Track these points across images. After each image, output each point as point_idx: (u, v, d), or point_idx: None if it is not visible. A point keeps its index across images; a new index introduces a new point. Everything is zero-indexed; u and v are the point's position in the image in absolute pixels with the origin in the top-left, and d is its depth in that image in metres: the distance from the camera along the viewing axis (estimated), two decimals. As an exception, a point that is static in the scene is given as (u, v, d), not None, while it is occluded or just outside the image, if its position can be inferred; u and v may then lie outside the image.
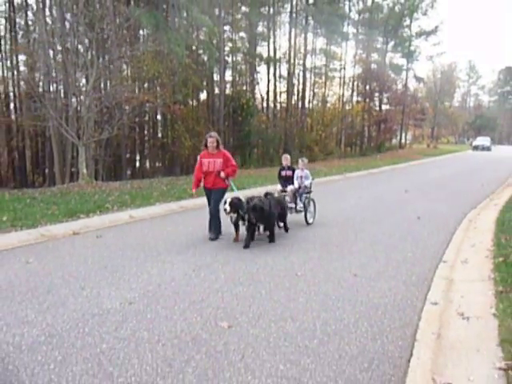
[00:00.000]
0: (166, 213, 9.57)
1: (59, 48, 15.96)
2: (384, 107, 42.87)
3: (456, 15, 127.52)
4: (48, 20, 17.88)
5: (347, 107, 39.44)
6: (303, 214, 8.28)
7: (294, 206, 8.27)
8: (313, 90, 37.22)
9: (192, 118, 25.62)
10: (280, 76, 33.30)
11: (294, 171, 8.63)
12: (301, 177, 8.53)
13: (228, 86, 29.50)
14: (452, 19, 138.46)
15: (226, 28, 28.78)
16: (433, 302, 4.33)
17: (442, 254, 6.30)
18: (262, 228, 7.29)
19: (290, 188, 8.33)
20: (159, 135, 27.00)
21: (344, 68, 38.38)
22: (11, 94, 24.48)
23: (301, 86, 33.95)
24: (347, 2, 36.25)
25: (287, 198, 8.21)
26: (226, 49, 28.85)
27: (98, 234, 7.22)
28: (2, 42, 23.64)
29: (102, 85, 18.41)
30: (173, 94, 21.34)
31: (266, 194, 7.20)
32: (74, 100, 16.56)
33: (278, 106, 33.39)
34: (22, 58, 22.65)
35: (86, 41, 15.43)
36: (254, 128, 28.68)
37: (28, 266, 5.36)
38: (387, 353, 3.34)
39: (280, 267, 5.49)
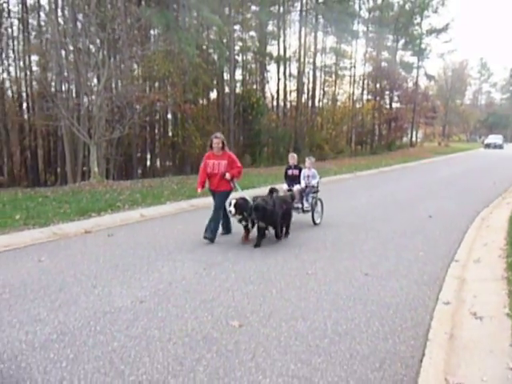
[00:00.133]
0: (177, 211, 9.60)
1: (71, 48, 16.08)
2: (394, 105, 42.58)
3: (467, 12, 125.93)
4: (60, 20, 18.04)
5: (357, 105, 39.21)
6: (310, 214, 8.10)
7: (300, 205, 8.11)
8: (323, 89, 37.10)
9: (202, 116, 25.69)
10: (290, 75, 33.21)
11: (300, 170, 8.45)
12: (308, 176, 8.36)
13: (238, 84, 29.51)
14: (463, 16, 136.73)
15: (236, 27, 28.77)
16: (445, 302, 4.28)
17: (454, 252, 6.25)
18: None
19: (296, 187, 8.16)
20: (170, 134, 27.10)
21: (354, 66, 38.26)
22: (24, 94, 24.78)
23: (311, 85, 33.85)
24: (357, 0, 35.97)
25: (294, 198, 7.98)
26: (236, 48, 28.86)
27: (109, 233, 7.25)
28: (15, 43, 23.94)
29: (114, 84, 18.52)
30: (183, 93, 21.43)
31: (271, 191, 7.07)
32: (85, 99, 16.70)
33: (288, 104, 33.31)
34: (34, 58, 22.93)
35: (98, 41, 15.53)
36: (264, 127, 28.64)
37: (40, 265, 5.41)
38: (399, 352, 3.31)
39: (291, 266, 5.47)
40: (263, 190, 9.97)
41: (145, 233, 7.41)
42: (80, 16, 16.39)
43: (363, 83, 40.20)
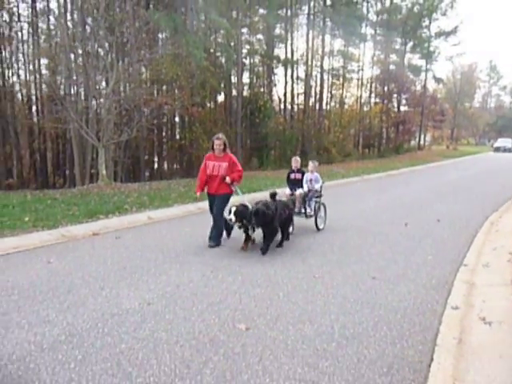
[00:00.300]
0: (184, 214, 9.62)
1: (80, 52, 16.20)
2: (402, 108, 42.38)
3: (476, 14, 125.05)
4: (69, 24, 18.21)
5: (365, 109, 39.12)
6: (313, 219, 7.90)
7: (303, 210, 7.91)
8: (330, 92, 37.04)
9: (210, 119, 25.78)
10: (297, 78, 33.23)
11: (303, 174, 8.22)
12: (310, 180, 8.11)
13: (245, 87, 29.57)
14: (472, 19, 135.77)
15: (244, 30, 28.84)
16: (453, 307, 4.25)
17: (463, 257, 6.20)
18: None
19: (298, 192, 7.92)
20: (177, 137, 27.21)
21: (362, 69, 38.15)
22: (33, 97, 24.99)
23: (318, 88, 33.82)
24: (365, 4, 35.90)
25: (296, 203, 7.78)
26: (244, 51, 28.95)
27: (117, 235, 7.29)
28: (25, 46, 24.16)
29: (122, 87, 18.62)
30: (191, 96, 21.50)
31: (273, 195, 6.86)
32: (94, 103, 16.81)
33: (296, 107, 33.30)
34: (44, 61, 23.15)
35: (106, 44, 15.64)
36: (272, 130, 28.68)
37: (49, 266, 5.45)
38: (407, 357, 3.29)
39: (298, 269, 5.47)
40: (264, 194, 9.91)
41: (152, 235, 7.44)
42: (89, 20, 16.54)
43: (371, 86, 40.09)
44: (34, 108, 25.43)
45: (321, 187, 8.22)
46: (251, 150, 28.98)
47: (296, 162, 8.39)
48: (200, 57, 19.59)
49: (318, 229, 7.88)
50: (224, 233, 6.94)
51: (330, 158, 30.26)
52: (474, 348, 3.43)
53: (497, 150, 48.21)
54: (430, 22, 40.17)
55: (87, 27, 16.76)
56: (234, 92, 27.64)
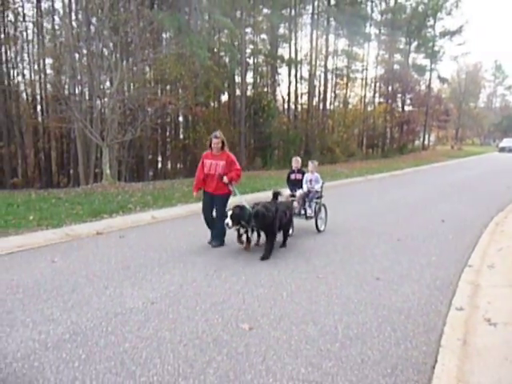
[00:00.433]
0: (188, 214, 9.62)
1: (84, 51, 16.26)
2: (407, 108, 42.29)
3: (481, 14, 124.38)
4: (74, 24, 18.27)
5: (369, 108, 39.08)
6: (313, 220, 7.74)
7: (303, 212, 7.77)
8: (334, 92, 37.02)
9: (213, 119, 25.83)
10: (301, 77, 33.22)
11: (304, 174, 8.07)
12: (310, 180, 7.95)
13: (249, 87, 29.57)
14: (477, 18, 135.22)
15: (248, 30, 28.85)
16: (458, 308, 4.23)
17: (468, 258, 6.17)
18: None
19: (299, 193, 7.78)
20: (181, 137, 27.28)
21: (366, 69, 38.13)
22: (38, 97, 25.08)
23: (322, 88, 33.79)
24: (369, 3, 35.83)
25: (295, 204, 7.65)
26: (248, 51, 28.93)
27: (120, 234, 7.30)
28: (30, 46, 24.24)
29: (126, 87, 18.68)
30: (195, 95, 21.54)
31: (275, 195, 6.72)
32: (98, 102, 16.86)
33: (299, 107, 33.28)
34: (48, 61, 23.22)
35: (111, 44, 15.71)
36: (275, 129, 28.67)
37: (53, 265, 5.47)
38: (411, 358, 3.28)
39: (301, 269, 5.46)
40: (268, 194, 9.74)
41: (156, 235, 7.45)
42: (93, 20, 16.58)
43: (375, 86, 40.06)
44: (38, 107, 25.55)
45: (321, 188, 8.06)
46: (255, 150, 29.01)
47: (296, 162, 8.24)
48: (204, 56, 19.61)
49: (318, 230, 7.74)
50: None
51: (334, 157, 30.25)
52: (479, 349, 3.41)
53: (502, 150, 47.97)
54: (435, 22, 40.13)
55: (92, 27, 16.80)
56: (238, 92, 27.68)
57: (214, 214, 6.64)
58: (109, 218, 8.50)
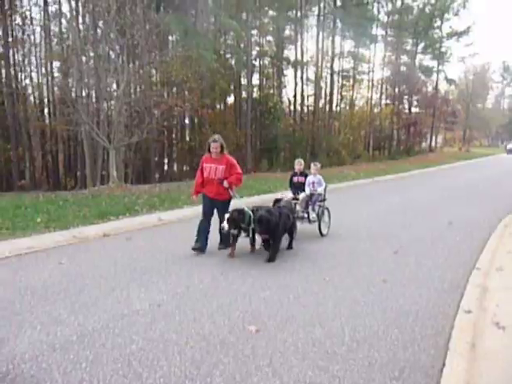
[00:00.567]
0: (194, 215, 9.55)
1: (91, 54, 16.36)
2: (414, 110, 42.13)
3: (489, 14, 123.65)
4: (81, 27, 18.38)
5: (375, 110, 38.94)
6: (316, 224, 7.53)
7: (306, 215, 7.50)
8: (340, 93, 36.97)
9: (219, 121, 25.89)
10: (307, 79, 33.25)
11: (306, 177, 7.93)
12: (313, 183, 7.80)
13: (255, 89, 29.61)
14: (485, 18, 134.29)
15: (254, 32, 28.90)
16: (466, 311, 4.19)
17: (476, 260, 6.11)
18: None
19: (301, 196, 7.60)
20: (187, 139, 27.35)
21: (372, 71, 38.09)
22: (46, 100, 25.26)
23: (328, 89, 33.77)
24: (376, 4, 35.71)
25: (298, 207, 7.49)
26: (254, 53, 28.98)
27: (127, 237, 7.32)
28: (38, 50, 24.42)
29: (132, 90, 18.77)
30: (201, 98, 21.57)
31: (276, 202, 6.53)
32: (105, 105, 16.95)
33: (306, 109, 33.27)
34: (56, 64, 23.39)
35: (117, 47, 15.76)
36: (281, 131, 28.70)
37: (61, 267, 5.50)
38: (418, 361, 3.25)
39: (307, 272, 5.44)
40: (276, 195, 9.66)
41: (162, 237, 7.47)
42: (100, 23, 16.68)
43: (381, 87, 39.94)
44: (46, 110, 25.75)
45: (324, 190, 7.92)
46: (261, 152, 29.03)
47: (299, 164, 8.08)
48: (210, 58, 19.68)
49: (321, 234, 7.56)
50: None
51: (340, 159, 30.20)
52: (488, 353, 3.37)
53: (510, 151, 47.60)
54: (442, 23, 39.82)
55: (98, 30, 16.91)
56: (244, 94, 27.74)
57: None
58: (115, 220, 8.55)
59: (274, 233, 5.96)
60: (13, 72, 22.56)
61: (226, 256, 6.14)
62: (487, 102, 77.71)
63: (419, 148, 43.85)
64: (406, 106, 41.60)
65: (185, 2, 20.93)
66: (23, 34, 23.41)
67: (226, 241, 6.44)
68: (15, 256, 6.00)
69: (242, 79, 27.84)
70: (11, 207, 9.54)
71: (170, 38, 22.63)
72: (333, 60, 33.16)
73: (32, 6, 23.55)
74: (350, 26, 32.00)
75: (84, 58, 16.52)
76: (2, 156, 22.87)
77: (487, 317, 4.05)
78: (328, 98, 33.76)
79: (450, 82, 46.85)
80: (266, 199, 9.06)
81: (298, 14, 30.37)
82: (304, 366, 3.15)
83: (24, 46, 23.37)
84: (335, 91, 35.17)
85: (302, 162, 8.18)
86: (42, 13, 23.55)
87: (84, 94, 17.78)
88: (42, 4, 23.04)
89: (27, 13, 23.36)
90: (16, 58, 23.24)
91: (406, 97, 40.87)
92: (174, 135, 27.40)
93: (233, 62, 26.93)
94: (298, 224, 7.33)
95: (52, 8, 23.81)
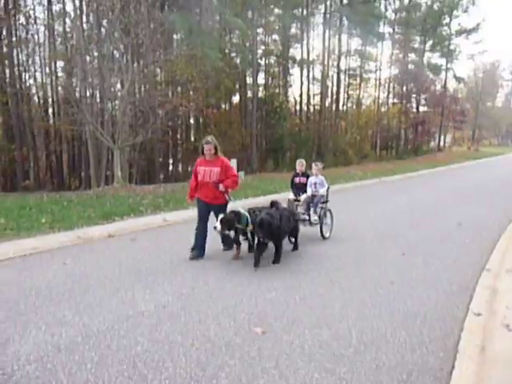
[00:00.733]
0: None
1: (95, 54, 16.38)
2: (422, 109, 41.68)
3: (499, 10, 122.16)
4: (85, 26, 18.40)
5: (383, 109, 38.66)
6: (318, 226, 7.31)
7: (307, 217, 7.29)
8: (347, 92, 36.75)
9: (225, 121, 25.86)
10: (313, 78, 33.11)
11: (308, 178, 7.68)
12: (315, 183, 7.55)
13: (261, 88, 29.53)
14: (495, 15, 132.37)
15: (259, 30, 28.82)
16: (476, 313, 4.14)
17: (486, 261, 6.04)
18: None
19: (303, 197, 7.41)
20: (192, 139, 27.33)
21: (380, 69, 37.77)
22: (50, 100, 25.30)
23: (335, 88, 33.58)
24: (383, 2, 35.35)
25: (300, 209, 7.34)
26: (259, 51, 28.90)
27: (132, 237, 7.30)
28: (42, 49, 24.42)
29: (137, 89, 18.77)
30: (206, 97, 21.53)
31: (272, 205, 6.42)
32: (109, 105, 16.96)
33: (312, 108, 33.14)
34: (60, 64, 23.42)
35: (122, 46, 15.75)
36: (287, 131, 28.59)
37: (65, 268, 5.49)
38: (427, 364, 3.22)
39: (314, 273, 5.39)
40: (284, 196, 9.39)
41: (167, 237, 7.45)
42: (104, 22, 16.69)
43: (389, 86, 39.58)
44: (50, 110, 25.79)
45: (327, 192, 7.67)
46: (267, 152, 28.95)
47: (301, 164, 7.81)
48: (215, 57, 19.63)
49: (323, 237, 7.34)
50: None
51: (347, 159, 30.06)
52: (497, 356, 3.33)
53: None
54: (451, 20, 39.11)
55: (102, 29, 16.93)
56: (250, 93, 27.64)
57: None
58: (120, 221, 8.54)
59: (275, 236, 5.78)
60: (17, 72, 22.60)
61: (231, 258, 6.08)
62: (497, 101, 76.67)
63: (427, 147, 43.41)
64: (414, 105, 41.14)
65: (189, 1, 20.89)
66: (27, 33, 23.42)
67: (228, 242, 6.34)
68: (20, 257, 6.01)
69: (248, 78, 27.74)
70: (16, 208, 9.57)
71: (174, 36, 22.53)
72: (339, 58, 32.98)
73: (36, 5, 23.59)
74: (356, 24, 31.64)
75: (88, 58, 16.55)
76: (6, 156, 22.99)
77: (497, 319, 4.00)
78: (334, 97, 33.58)
79: (458, 80, 46.03)
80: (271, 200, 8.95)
81: (304, 11, 30.20)
82: (310, 368, 3.12)
83: (28, 45, 23.41)
84: (342, 90, 34.99)
85: (304, 162, 7.91)
86: (46, 12, 23.54)
87: (88, 93, 17.84)
88: (45, 3, 23.04)
89: (31, 12, 23.40)
90: (20, 57, 23.27)
91: (414, 95, 40.42)
92: (178, 135, 27.40)
93: (238, 61, 26.84)
94: (300, 226, 7.10)
95: (56, 7, 23.81)
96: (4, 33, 21.25)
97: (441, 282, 5.10)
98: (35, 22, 23.83)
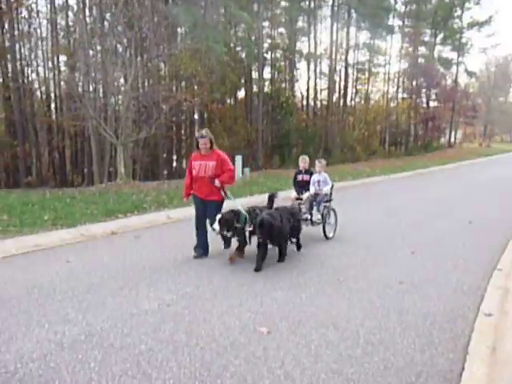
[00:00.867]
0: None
1: (99, 48, 16.27)
2: (432, 104, 41.15)
3: None
4: (88, 20, 18.31)
5: (392, 104, 38.29)
6: (320, 226, 7.05)
7: (309, 216, 6.98)
8: (355, 87, 36.46)
9: (230, 116, 25.77)
10: (321, 72, 32.84)
11: (311, 175, 7.43)
12: (318, 181, 7.29)
13: (267, 83, 29.33)
14: (508, 7, 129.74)
15: (265, 24, 28.58)
16: (487, 313, 4.07)
17: (497, 261, 5.95)
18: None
19: (305, 195, 7.18)
20: (196, 135, 27.19)
21: (389, 63, 37.39)
22: (52, 95, 25.24)
23: (342, 83, 33.32)
24: (393, -7, 34.84)
25: (302, 208, 7.08)
26: (265, 45, 28.69)
27: (135, 235, 7.27)
28: (44, 43, 24.36)
29: (140, 84, 18.70)
30: (210, 92, 21.43)
31: (271, 197, 6.24)
32: (112, 100, 16.83)
33: (319, 103, 32.91)
34: (63, 58, 23.38)
35: (125, 40, 15.64)
36: (294, 127, 28.41)
37: (68, 265, 5.45)
38: (436, 365, 3.16)
39: (321, 272, 5.32)
40: (288, 194, 9.20)
41: (171, 235, 7.40)
42: (107, 15, 16.61)
43: (398, 81, 39.16)
44: (52, 105, 25.72)
45: (331, 190, 7.42)
46: (273, 148, 28.79)
47: (304, 161, 7.58)
48: (220, 51, 19.50)
49: (326, 237, 7.08)
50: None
51: (355, 155, 29.88)
52: (509, 357, 3.27)
53: None
54: (463, 12, 38.46)
55: (106, 23, 16.83)
56: (255, 88, 27.47)
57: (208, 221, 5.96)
58: (124, 218, 8.47)
59: (276, 238, 5.55)
60: (19, 66, 22.56)
61: (228, 257, 5.91)
62: (510, 96, 75.14)
63: (437, 144, 42.80)
64: (424, 100, 40.58)
65: (194, -6, 20.75)
66: (29, 27, 23.37)
67: (229, 240, 6.17)
68: (22, 254, 5.99)
69: (253, 73, 27.57)
70: (18, 204, 9.50)
71: (178, 30, 22.31)
72: (347, 52, 32.66)
73: (38, -2, 23.52)
74: (365, 17, 31.13)
75: (91, 52, 16.45)
76: (8, 152, 22.99)
77: (508, 319, 3.94)
78: (342, 91, 33.31)
79: (470, 74, 45.17)
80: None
81: (312, 4, 29.90)
82: (317, 369, 3.08)
83: (30, 39, 23.36)
84: (350, 85, 34.67)
85: (307, 158, 7.69)
86: (49, 6, 23.52)
87: (91, 88, 17.76)
88: (48, -4, 23.01)
89: (33, 6, 23.35)
90: (22, 51, 23.22)
91: (424, 90, 39.84)
92: (182, 131, 27.33)
93: (243, 55, 26.64)
94: (303, 226, 6.84)
95: (59, 1, 23.74)
96: (6, 26, 21.20)
97: (451, 281, 5.02)
98: (38, 16, 23.81)
